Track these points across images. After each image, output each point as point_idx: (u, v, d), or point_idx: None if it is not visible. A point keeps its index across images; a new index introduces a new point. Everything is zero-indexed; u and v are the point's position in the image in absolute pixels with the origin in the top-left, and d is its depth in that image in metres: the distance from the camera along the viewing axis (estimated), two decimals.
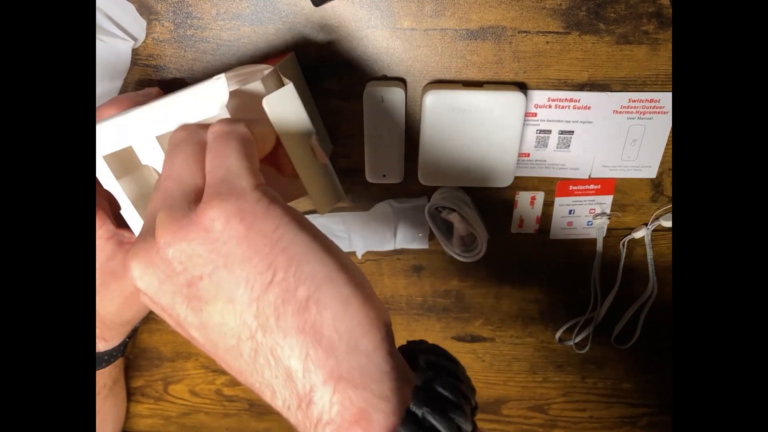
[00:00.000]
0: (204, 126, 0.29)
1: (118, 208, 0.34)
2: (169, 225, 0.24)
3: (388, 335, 0.24)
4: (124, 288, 0.40)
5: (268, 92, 0.29)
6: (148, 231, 0.25)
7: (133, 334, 0.50)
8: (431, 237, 0.51)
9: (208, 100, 0.30)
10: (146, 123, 0.30)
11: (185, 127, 0.29)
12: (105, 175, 0.32)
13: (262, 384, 0.23)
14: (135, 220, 0.34)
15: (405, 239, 0.51)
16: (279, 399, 0.23)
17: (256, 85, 0.30)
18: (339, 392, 0.21)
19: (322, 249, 0.24)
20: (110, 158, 0.32)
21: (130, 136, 0.31)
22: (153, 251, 0.24)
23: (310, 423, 0.22)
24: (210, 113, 0.30)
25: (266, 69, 0.32)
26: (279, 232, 0.24)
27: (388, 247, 0.52)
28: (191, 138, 0.28)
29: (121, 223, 0.37)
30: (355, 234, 0.51)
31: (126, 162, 0.33)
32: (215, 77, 0.30)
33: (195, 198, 0.25)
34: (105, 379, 0.48)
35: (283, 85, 0.30)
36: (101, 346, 0.44)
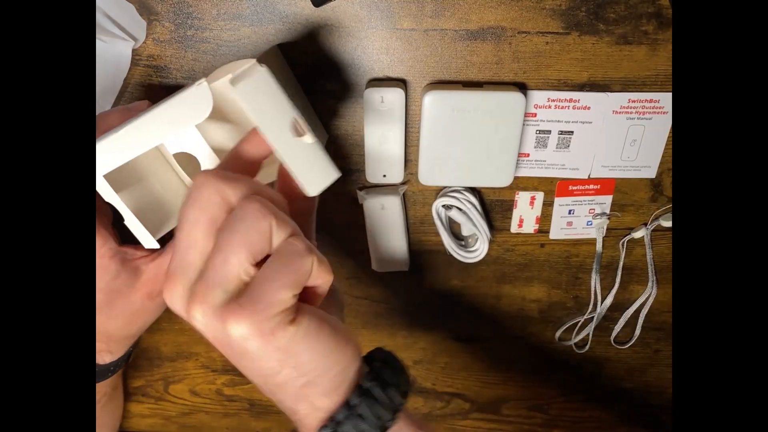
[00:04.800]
0: (233, 181, 0.28)
1: (120, 221, 0.34)
2: (206, 311, 0.27)
3: (357, 355, 0.33)
4: (130, 304, 0.40)
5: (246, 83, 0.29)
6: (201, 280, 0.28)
7: (137, 343, 0.51)
8: (425, 238, 0.51)
9: (193, 107, 0.30)
10: (137, 138, 0.30)
11: (207, 183, 0.28)
12: (105, 191, 0.32)
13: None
14: (139, 231, 0.34)
15: None
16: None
17: (224, 82, 0.29)
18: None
19: (324, 350, 0.30)
20: (108, 174, 0.32)
21: (125, 154, 0.31)
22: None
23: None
24: (197, 119, 0.30)
25: (247, 63, 0.31)
26: (289, 345, 0.28)
27: None
28: (209, 205, 0.28)
29: (123, 239, 0.37)
30: None
31: (124, 175, 0.33)
32: (197, 82, 0.30)
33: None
34: (106, 387, 0.49)
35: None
36: (107, 358, 0.45)
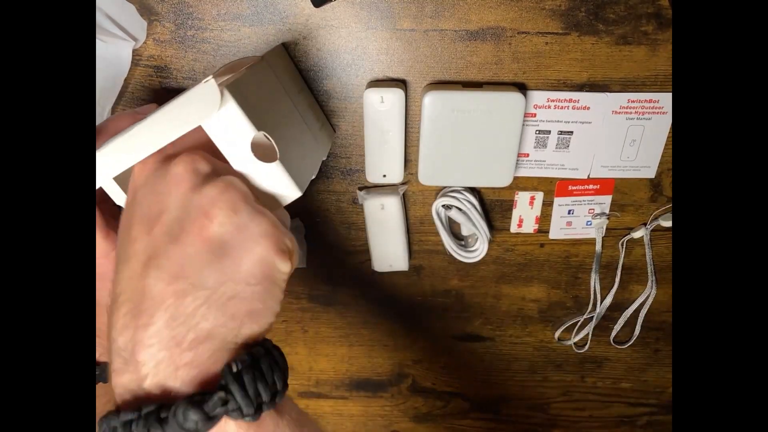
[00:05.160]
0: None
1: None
2: None
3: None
4: None
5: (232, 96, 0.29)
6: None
7: None
8: (425, 238, 0.51)
9: (201, 105, 0.30)
10: (147, 139, 0.30)
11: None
12: (115, 194, 0.33)
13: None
14: None
15: None
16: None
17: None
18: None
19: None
20: (119, 177, 0.32)
21: (134, 155, 0.31)
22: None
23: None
24: (205, 117, 0.30)
25: (252, 61, 0.31)
26: None
27: None
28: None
29: None
30: None
31: None
32: (204, 80, 0.30)
33: None
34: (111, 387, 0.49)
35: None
36: None
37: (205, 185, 0.27)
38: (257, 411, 0.25)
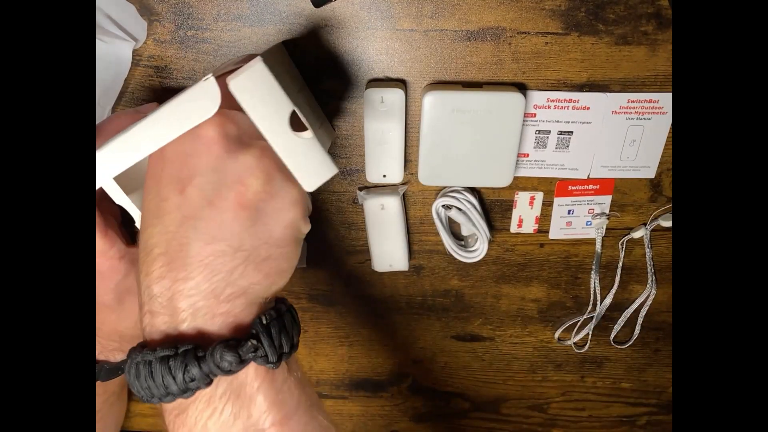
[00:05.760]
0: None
1: (130, 223, 0.34)
2: None
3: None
4: None
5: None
6: None
7: None
8: (425, 238, 0.52)
9: (201, 103, 0.29)
10: (147, 138, 0.30)
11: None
12: (115, 193, 0.33)
13: None
14: None
15: None
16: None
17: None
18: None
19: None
20: (119, 176, 0.32)
21: (135, 154, 0.31)
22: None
23: None
24: (205, 115, 0.30)
25: (252, 59, 0.31)
26: None
27: None
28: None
29: (134, 241, 0.38)
30: None
31: (134, 177, 0.33)
32: (204, 78, 0.30)
33: None
34: (114, 386, 0.49)
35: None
36: (119, 356, 0.45)
37: (240, 152, 0.29)
38: (279, 359, 0.28)
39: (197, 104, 0.29)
